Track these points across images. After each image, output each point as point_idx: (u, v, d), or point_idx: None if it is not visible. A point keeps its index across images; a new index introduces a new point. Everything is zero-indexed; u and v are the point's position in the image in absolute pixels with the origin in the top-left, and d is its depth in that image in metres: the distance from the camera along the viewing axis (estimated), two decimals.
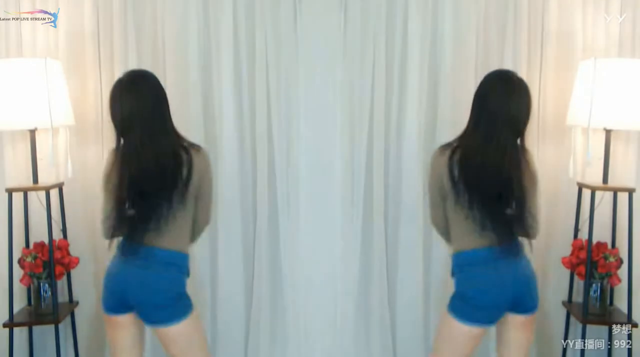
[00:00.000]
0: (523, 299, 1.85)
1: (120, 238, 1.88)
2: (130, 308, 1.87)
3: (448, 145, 1.88)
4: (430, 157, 1.94)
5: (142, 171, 1.77)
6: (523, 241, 1.89)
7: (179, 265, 1.87)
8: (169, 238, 1.83)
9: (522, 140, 1.85)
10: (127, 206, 1.82)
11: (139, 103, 1.80)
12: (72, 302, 2.61)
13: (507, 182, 1.78)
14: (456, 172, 1.81)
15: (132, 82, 1.84)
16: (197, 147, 1.89)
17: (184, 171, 1.81)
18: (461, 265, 1.87)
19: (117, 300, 1.86)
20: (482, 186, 1.79)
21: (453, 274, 1.91)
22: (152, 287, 1.82)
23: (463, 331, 1.85)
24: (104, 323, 2.64)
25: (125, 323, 1.89)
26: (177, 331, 1.84)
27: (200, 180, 1.87)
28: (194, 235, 1.97)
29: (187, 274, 1.91)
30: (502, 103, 1.80)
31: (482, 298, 1.83)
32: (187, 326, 1.86)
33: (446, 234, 1.98)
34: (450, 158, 1.83)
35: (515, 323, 1.89)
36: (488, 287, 1.82)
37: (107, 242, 2.68)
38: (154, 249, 1.82)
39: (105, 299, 1.89)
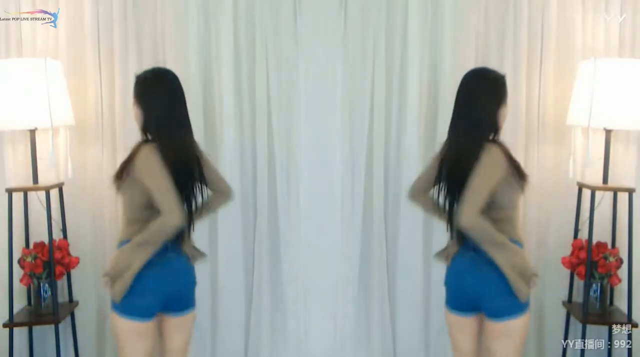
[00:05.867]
0: (487, 298, 1.83)
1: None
2: (162, 306, 1.88)
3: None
4: None
5: (180, 167, 1.84)
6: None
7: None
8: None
9: (497, 134, 1.91)
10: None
11: (167, 100, 1.85)
12: (72, 302, 2.61)
13: (467, 176, 1.82)
14: (441, 167, 1.95)
15: (158, 79, 1.89)
16: None
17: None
18: (451, 255, 1.99)
19: (157, 299, 1.84)
20: (454, 179, 1.89)
21: None
22: (186, 273, 1.94)
23: (450, 319, 2.00)
24: (103, 323, 2.66)
25: (150, 331, 1.86)
26: (192, 317, 1.99)
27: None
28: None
29: None
30: (470, 97, 1.88)
31: (449, 282, 1.97)
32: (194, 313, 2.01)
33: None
34: (439, 154, 1.99)
35: (491, 332, 1.86)
36: (456, 272, 1.94)
37: (109, 241, 2.67)
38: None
39: (144, 303, 1.81)
